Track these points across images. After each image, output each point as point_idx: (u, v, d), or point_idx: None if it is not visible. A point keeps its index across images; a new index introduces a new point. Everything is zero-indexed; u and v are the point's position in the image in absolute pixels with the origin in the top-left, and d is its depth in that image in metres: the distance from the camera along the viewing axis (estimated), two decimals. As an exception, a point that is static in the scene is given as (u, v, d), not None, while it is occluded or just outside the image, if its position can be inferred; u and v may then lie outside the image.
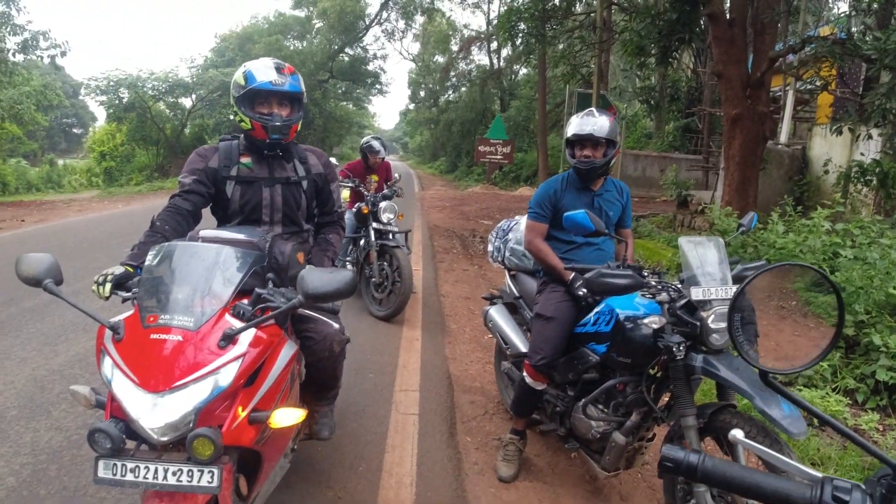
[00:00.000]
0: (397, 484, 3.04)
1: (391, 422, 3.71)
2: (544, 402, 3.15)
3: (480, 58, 39.21)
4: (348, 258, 6.27)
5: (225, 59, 35.58)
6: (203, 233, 2.39)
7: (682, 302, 2.38)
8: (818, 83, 9.70)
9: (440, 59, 42.04)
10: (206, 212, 2.74)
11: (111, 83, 25.67)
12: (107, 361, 1.83)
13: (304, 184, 2.79)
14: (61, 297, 1.96)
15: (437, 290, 7.11)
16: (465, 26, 40.55)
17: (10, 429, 3.39)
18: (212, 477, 1.74)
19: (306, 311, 2.39)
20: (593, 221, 2.62)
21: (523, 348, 3.28)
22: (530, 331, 3.22)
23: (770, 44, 8.58)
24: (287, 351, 2.15)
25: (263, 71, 2.55)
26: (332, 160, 3.58)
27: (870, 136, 7.64)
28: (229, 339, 1.84)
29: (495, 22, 29.38)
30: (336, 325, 2.60)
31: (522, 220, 3.59)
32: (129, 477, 1.73)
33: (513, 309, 3.63)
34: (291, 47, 38.18)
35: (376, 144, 6.56)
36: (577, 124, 3.02)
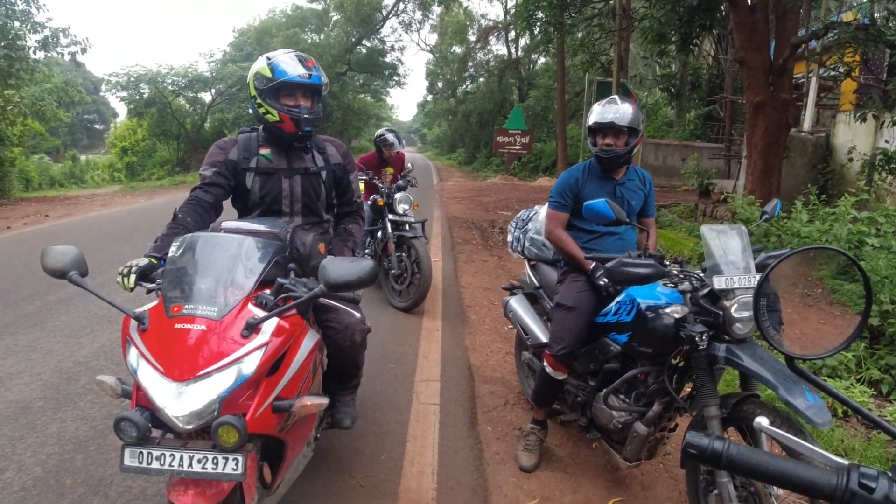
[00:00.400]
0: (419, 473, 3.06)
1: (412, 412, 3.73)
2: (565, 392, 3.14)
3: (498, 47, 39.06)
4: (367, 250, 6.24)
5: (243, 54, 35.77)
6: (225, 224, 2.42)
7: (705, 291, 2.35)
8: (842, 70, 9.54)
9: (458, 49, 41.88)
10: (227, 203, 2.76)
11: (131, 79, 25.97)
12: (132, 351, 1.86)
13: (324, 174, 2.81)
14: (86, 288, 1.99)
15: (456, 280, 7.11)
16: (483, 16, 40.47)
17: (37, 419, 3.45)
18: (236, 464, 1.76)
19: (328, 301, 2.40)
20: (614, 210, 2.59)
21: (544, 338, 3.27)
22: (550, 321, 3.21)
23: (792, 30, 8.44)
24: (309, 340, 2.17)
25: (291, 64, 2.56)
26: None
27: (894, 123, 7.50)
28: (252, 328, 1.86)
29: (513, 11, 29.25)
30: (357, 315, 2.61)
31: (542, 210, 3.57)
32: (155, 465, 1.76)
33: (533, 299, 3.63)
34: (309, 40, 38.29)
35: (390, 137, 6.48)
36: (598, 112, 3.00)
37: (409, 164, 6.71)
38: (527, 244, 3.66)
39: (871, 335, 4.52)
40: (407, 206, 5.90)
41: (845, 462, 0.82)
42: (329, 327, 2.54)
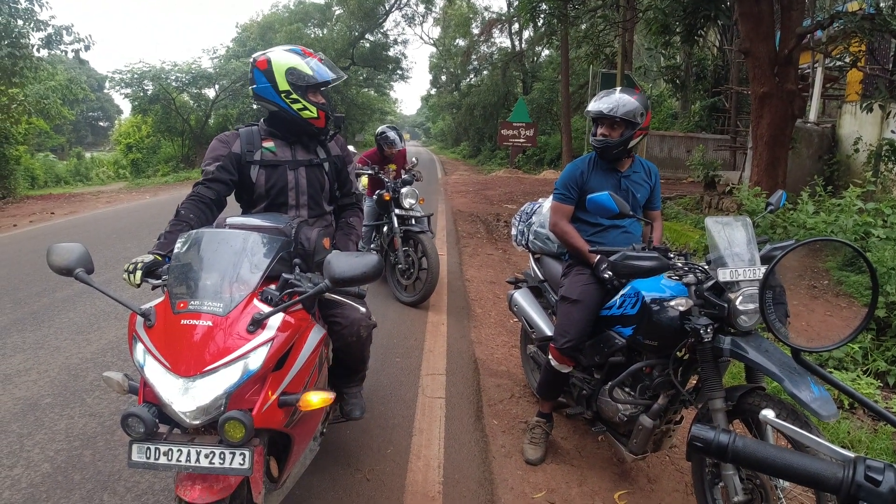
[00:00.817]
0: (425, 466, 3.07)
1: (418, 405, 3.74)
2: (570, 385, 3.15)
3: (502, 40, 38.91)
4: (372, 245, 6.23)
5: (246, 49, 35.71)
6: (230, 220, 2.43)
7: (710, 283, 2.34)
8: (847, 60, 9.49)
9: (461, 42, 41.79)
10: (231, 199, 2.77)
11: (135, 76, 25.97)
12: (139, 347, 1.86)
13: (326, 166, 2.84)
14: (93, 285, 2.00)
15: (461, 274, 7.11)
16: (486, 9, 40.33)
17: (45, 416, 3.47)
18: (243, 459, 1.77)
19: (333, 296, 2.41)
20: (617, 203, 2.59)
21: (549, 332, 3.28)
22: (555, 314, 3.21)
23: (798, 20, 8.37)
24: (315, 335, 2.17)
25: (322, 64, 2.69)
26: (351, 148, 3.63)
27: (901, 113, 7.46)
28: (258, 323, 1.86)
29: (516, 3, 29.07)
30: (363, 310, 2.62)
31: (546, 203, 3.56)
32: (163, 460, 1.77)
33: (537, 292, 3.62)
34: (312, 35, 38.30)
35: (391, 135, 6.41)
36: (594, 103, 3.01)
37: (414, 159, 6.69)
38: (531, 238, 3.66)
39: (877, 327, 4.51)
40: (413, 201, 5.89)
41: (851, 454, 0.82)
42: (335, 322, 2.56)
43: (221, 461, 1.77)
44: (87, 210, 13.01)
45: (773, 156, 8.51)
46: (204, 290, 1.91)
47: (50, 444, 3.16)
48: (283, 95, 2.63)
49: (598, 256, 2.90)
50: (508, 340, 4.92)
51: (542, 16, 13.61)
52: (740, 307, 2.22)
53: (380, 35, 40.68)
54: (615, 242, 3.05)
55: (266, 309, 1.92)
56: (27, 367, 4.11)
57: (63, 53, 15.87)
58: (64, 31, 15.11)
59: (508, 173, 23.29)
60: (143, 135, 29.71)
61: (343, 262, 1.93)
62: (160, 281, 2.15)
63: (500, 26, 37.25)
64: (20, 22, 13.91)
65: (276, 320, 1.91)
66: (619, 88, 3.08)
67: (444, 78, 46.34)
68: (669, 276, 2.54)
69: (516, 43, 35.60)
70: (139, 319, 1.92)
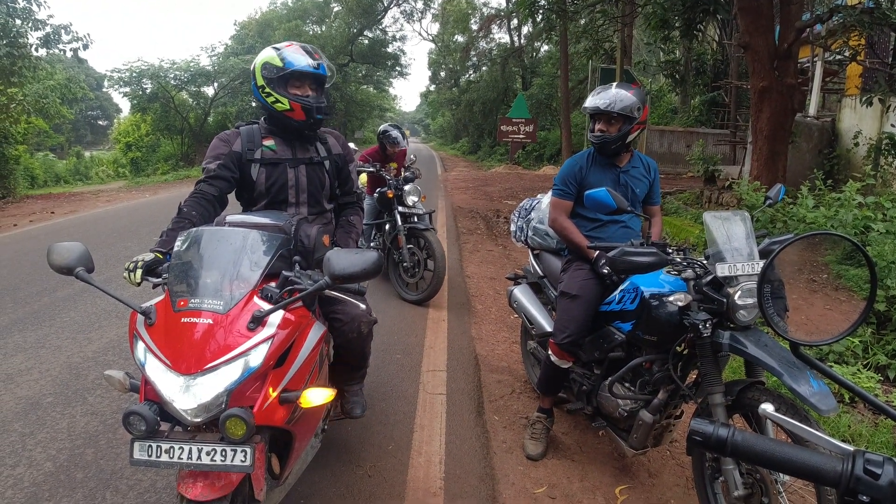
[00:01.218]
0: (426, 462, 3.08)
1: (419, 401, 3.75)
2: (571, 380, 3.15)
3: (501, 36, 38.87)
4: (373, 243, 6.20)
5: (245, 47, 35.69)
6: (230, 218, 2.43)
7: (708, 278, 2.34)
8: (847, 53, 9.47)
9: (460, 38, 41.71)
10: (232, 196, 2.77)
11: (134, 74, 25.93)
12: (140, 346, 1.87)
13: (327, 164, 2.84)
14: (93, 284, 2.00)
15: (462, 270, 7.11)
16: (485, 4, 40.05)
17: (47, 415, 3.48)
18: (245, 456, 1.77)
19: (333, 293, 2.41)
20: (615, 199, 2.59)
21: (548, 327, 3.28)
22: (555, 310, 3.21)
23: (797, 13, 8.36)
24: (315, 332, 2.18)
25: (300, 54, 2.62)
26: (351, 145, 3.61)
27: (900, 107, 7.46)
28: (258, 321, 1.87)
29: (515, -1, 29.03)
30: (363, 307, 2.63)
31: (545, 199, 3.56)
32: (164, 458, 1.77)
33: (537, 288, 3.63)
34: (311, 32, 38.23)
35: (395, 134, 6.29)
36: (590, 99, 3.01)
37: (413, 156, 6.66)
38: (530, 234, 3.66)
39: (877, 320, 4.51)
40: (416, 198, 5.86)
41: (850, 448, 0.82)
42: (335, 319, 2.56)
43: (223, 458, 1.77)
44: (86, 209, 13.00)
45: (772, 150, 8.50)
46: (204, 288, 1.91)
47: (52, 443, 3.17)
48: (260, 90, 2.65)
49: (597, 252, 2.90)
50: (509, 336, 4.93)
51: (541, 11, 13.57)
52: (739, 302, 2.23)
53: (378, 31, 40.61)
54: (614, 237, 3.05)
55: (266, 306, 1.92)
56: (29, 367, 4.12)
57: (62, 53, 15.85)
58: (62, 31, 15.08)
59: (508, 169, 23.28)
60: (143, 133, 29.68)
61: (343, 259, 1.93)
62: (160, 279, 2.16)
63: (498, 22, 37.24)
64: (18, 21, 13.88)
65: (276, 317, 1.91)
66: (615, 83, 3.08)
67: (443, 74, 46.29)
68: (668, 272, 2.55)
69: (515, 39, 35.56)
70: (140, 318, 1.92)
